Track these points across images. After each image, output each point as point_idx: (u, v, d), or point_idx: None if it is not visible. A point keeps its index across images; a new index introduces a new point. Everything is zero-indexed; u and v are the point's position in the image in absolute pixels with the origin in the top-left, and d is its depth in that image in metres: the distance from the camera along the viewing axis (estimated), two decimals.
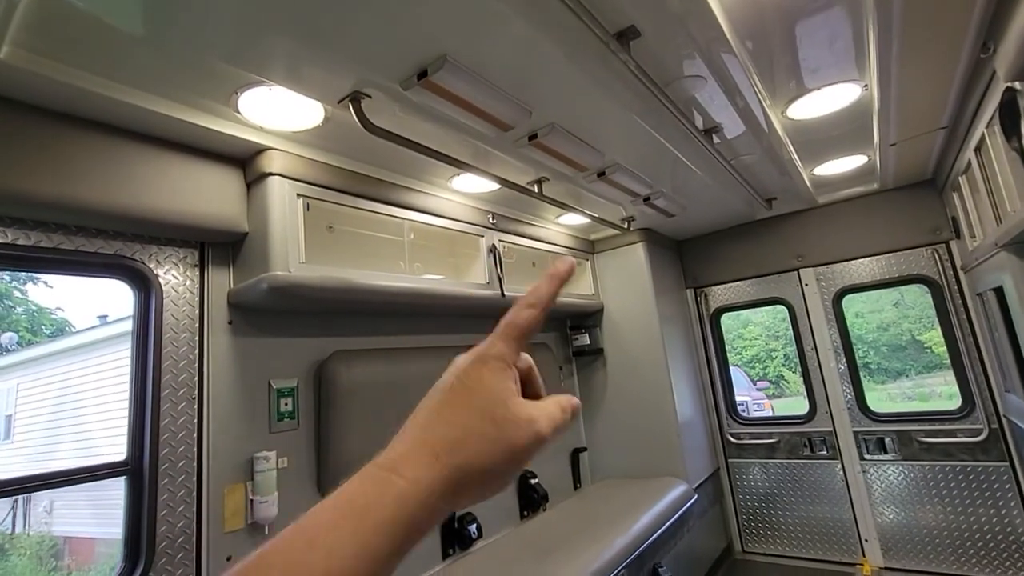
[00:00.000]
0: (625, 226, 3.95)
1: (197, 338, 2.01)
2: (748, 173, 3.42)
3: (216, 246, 2.15)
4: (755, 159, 3.21)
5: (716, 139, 2.88)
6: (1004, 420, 3.42)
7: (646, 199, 3.42)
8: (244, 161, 2.14)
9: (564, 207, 3.20)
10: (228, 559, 1.92)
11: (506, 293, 3.12)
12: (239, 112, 1.88)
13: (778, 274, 4.36)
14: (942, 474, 3.60)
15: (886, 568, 3.73)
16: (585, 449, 4.18)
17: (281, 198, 2.06)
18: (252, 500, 1.98)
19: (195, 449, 1.91)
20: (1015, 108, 1.98)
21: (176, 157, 1.93)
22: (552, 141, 2.38)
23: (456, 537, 2.83)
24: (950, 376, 3.69)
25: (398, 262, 2.73)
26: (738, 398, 5.41)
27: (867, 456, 3.87)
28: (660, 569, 2.99)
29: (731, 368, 4.74)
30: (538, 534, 2.91)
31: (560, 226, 3.96)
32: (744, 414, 4.74)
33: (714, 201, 3.77)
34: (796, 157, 3.26)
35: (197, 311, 2.04)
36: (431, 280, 2.72)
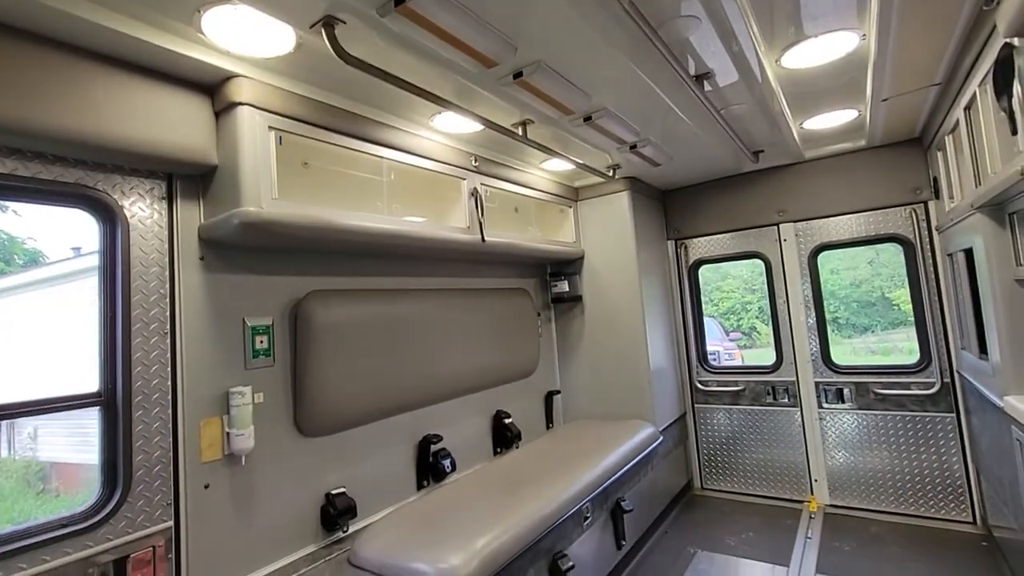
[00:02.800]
0: (610, 174, 3.89)
1: (167, 273, 1.97)
2: (737, 124, 3.36)
3: (185, 178, 2.06)
4: (745, 109, 3.14)
5: (707, 86, 2.80)
6: (956, 375, 3.61)
7: (632, 147, 3.35)
8: (212, 89, 2.02)
9: (549, 152, 3.13)
10: (206, 487, 1.98)
11: (487, 238, 3.10)
12: (203, 33, 1.76)
13: (758, 228, 4.39)
14: (892, 423, 3.83)
15: (830, 505, 4.04)
16: (559, 392, 4.32)
17: (251, 130, 1.97)
18: (228, 433, 2.03)
19: (169, 383, 1.92)
20: (1010, 66, 1.95)
21: (139, 81, 1.81)
22: (538, 80, 2.28)
23: (431, 470, 2.95)
24: (913, 333, 3.85)
25: (376, 202, 2.67)
26: (710, 348, 5.59)
27: (825, 405, 4.08)
28: (623, 503, 3.19)
29: (706, 319, 4.86)
30: (510, 469, 3.06)
31: (544, 172, 3.89)
32: (714, 363, 4.92)
33: (702, 152, 3.71)
34: (787, 109, 3.20)
35: (166, 245, 1.99)
36: (410, 222, 2.67)
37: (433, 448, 2.98)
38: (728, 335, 11.24)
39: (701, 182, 4.64)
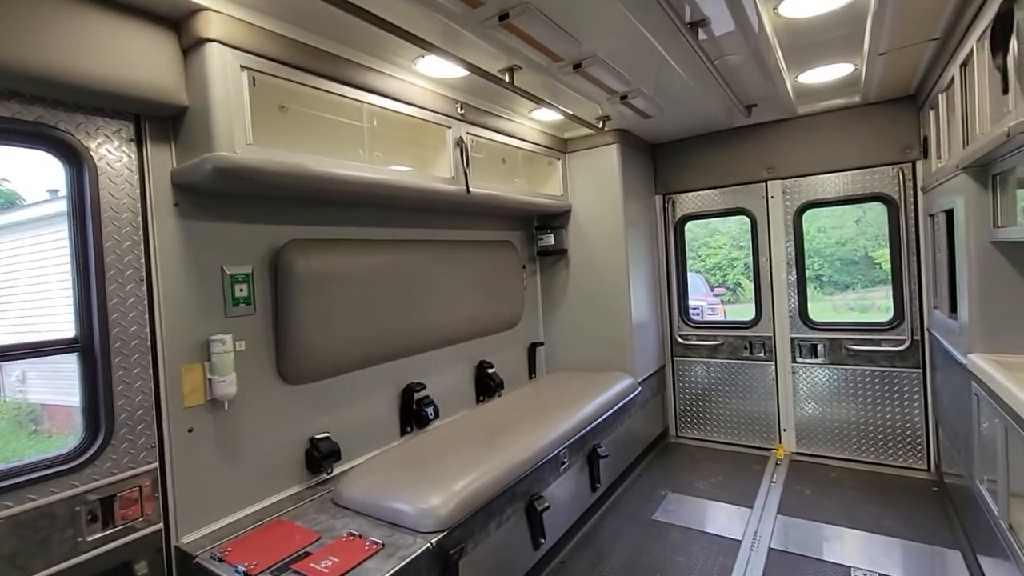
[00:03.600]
0: (600, 125, 3.80)
1: (140, 219, 1.93)
2: (731, 76, 3.27)
3: (154, 120, 1.98)
4: (740, 60, 3.04)
5: (702, 35, 2.69)
6: (927, 333, 3.73)
7: (623, 97, 3.26)
8: (178, 23, 1.91)
9: (537, 100, 3.03)
10: (190, 431, 2.03)
11: (472, 190, 3.05)
12: None
13: (747, 185, 4.36)
14: (862, 377, 3.98)
15: (796, 453, 4.26)
16: (542, 343, 4.40)
17: (222, 69, 1.87)
18: (210, 379, 2.05)
19: (147, 329, 1.92)
20: (1009, 21, 1.90)
21: (98, 12, 1.70)
22: (525, 23, 2.18)
23: (414, 417, 3.04)
24: (891, 291, 3.94)
25: (357, 150, 2.59)
26: (694, 302, 5.68)
27: (799, 359, 4.22)
28: (599, 449, 3.33)
29: (692, 274, 4.91)
30: (491, 416, 3.15)
31: (532, 122, 3.78)
32: (697, 318, 5.01)
33: (693, 104, 3.63)
34: (782, 61, 3.11)
35: (138, 190, 1.93)
36: (392, 171, 2.61)
37: (417, 396, 3.06)
38: (713, 290, 11.40)
39: (692, 136, 4.55)
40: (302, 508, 2.23)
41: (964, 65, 2.49)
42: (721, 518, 3.35)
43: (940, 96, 3.00)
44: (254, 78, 2.00)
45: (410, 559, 1.80)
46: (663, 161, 4.74)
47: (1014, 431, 1.87)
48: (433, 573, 1.93)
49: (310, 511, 2.19)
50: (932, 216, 3.44)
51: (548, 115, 3.62)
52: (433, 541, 1.91)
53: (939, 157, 3.18)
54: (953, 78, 2.66)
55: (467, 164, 3.03)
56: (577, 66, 2.70)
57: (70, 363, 1.80)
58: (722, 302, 11.00)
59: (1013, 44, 1.87)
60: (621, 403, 3.66)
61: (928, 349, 3.72)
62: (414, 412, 3.04)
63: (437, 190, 2.85)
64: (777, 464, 4.11)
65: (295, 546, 1.87)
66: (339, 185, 2.29)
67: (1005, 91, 1.95)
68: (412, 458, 2.51)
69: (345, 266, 2.59)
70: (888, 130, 3.83)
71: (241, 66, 1.94)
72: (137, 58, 1.79)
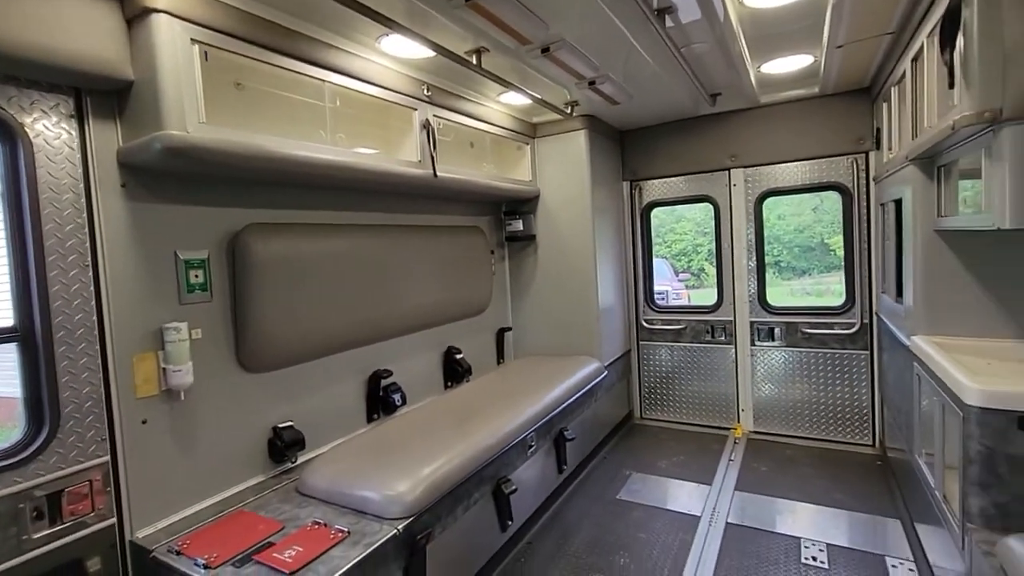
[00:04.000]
0: (568, 111, 3.79)
1: (84, 200, 1.82)
2: (697, 64, 3.30)
3: (96, 95, 1.85)
4: (706, 49, 3.08)
5: (669, 22, 2.71)
6: (875, 316, 3.93)
7: (591, 83, 3.25)
8: None
9: (505, 84, 3.00)
10: (143, 422, 1.95)
11: (439, 174, 3.00)
12: None
13: (710, 172, 4.45)
14: (815, 359, 4.17)
15: (754, 432, 4.44)
16: (511, 329, 4.42)
17: (171, 42, 1.77)
18: (165, 369, 1.97)
19: (95, 317, 1.82)
20: (957, 18, 1.97)
21: None
22: (491, 4, 2.14)
23: (381, 404, 3.01)
24: (843, 276, 4.11)
25: (319, 131, 2.51)
26: (659, 287, 5.79)
27: (757, 342, 4.38)
28: (566, 432, 3.38)
29: (657, 259, 5.00)
30: (459, 402, 3.16)
31: (501, 105, 3.74)
32: (663, 302, 5.12)
33: (661, 92, 3.65)
34: (746, 50, 3.16)
35: (80, 170, 1.81)
36: (356, 154, 2.54)
37: (384, 383, 3.03)
38: (678, 275, 11.65)
39: (659, 124, 4.60)
40: (265, 498, 2.19)
41: (915, 60, 2.59)
42: (682, 496, 3.47)
43: (892, 89, 3.11)
44: (206, 52, 1.90)
45: (376, 545, 1.80)
46: (631, 148, 4.77)
47: (950, 408, 2.00)
48: (400, 559, 1.94)
49: (273, 501, 2.15)
50: (883, 205, 3.59)
51: (516, 99, 3.59)
52: (400, 527, 1.91)
53: (890, 148, 3.31)
54: (905, 72, 2.76)
55: (434, 147, 2.98)
56: (545, 50, 2.67)
57: (10, 352, 1.70)
58: (686, 287, 11.27)
59: (960, 41, 1.95)
60: (588, 387, 3.72)
61: (876, 332, 3.92)
62: (381, 399, 3.01)
63: (403, 174, 2.79)
64: (735, 443, 4.28)
65: (258, 536, 1.84)
66: (300, 167, 2.21)
67: (951, 86, 2.04)
68: (379, 445, 2.49)
69: (308, 251, 2.52)
70: (844, 121, 3.96)
71: (192, 39, 1.83)
72: (75, 27, 1.67)
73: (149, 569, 1.82)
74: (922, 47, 2.44)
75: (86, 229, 1.82)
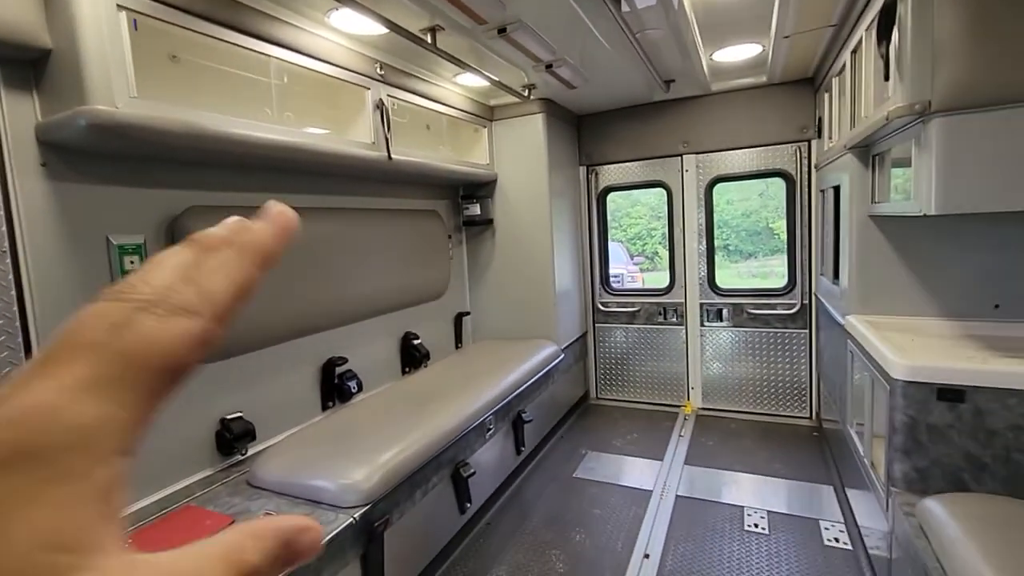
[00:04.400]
0: (526, 94, 3.76)
1: None
2: (652, 50, 3.34)
3: (7, 64, 1.68)
4: (660, 36, 3.11)
5: (625, 7, 2.71)
6: (814, 297, 4.16)
7: (549, 66, 3.23)
8: None
9: (461, 64, 2.93)
10: None
11: (394, 156, 2.92)
12: None
13: (664, 158, 4.55)
14: (759, 338, 4.38)
15: (702, 408, 4.65)
16: (469, 313, 4.40)
17: (93, 8, 1.62)
18: None
19: (15, 308, 1.68)
20: (893, 12, 2.07)
21: None
22: None
23: (336, 391, 2.95)
24: (786, 259, 4.32)
25: (264, 109, 2.38)
26: (614, 271, 5.91)
27: (706, 323, 4.56)
28: (523, 414, 3.43)
29: (613, 243, 5.09)
30: (417, 387, 3.14)
31: (457, 87, 3.66)
32: (618, 286, 5.24)
33: (617, 77, 3.68)
34: (699, 37, 3.22)
35: None
36: (304, 134, 2.43)
37: (338, 370, 2.96)
38: (633, 259, 11.92)
39: (615, 108, 4.64)
40: (214, 492, 2.12)
41: (854, 52, 2.71)
42: (635, 471, 3.61)
43: (834, 80, 3.25)
44: (135, 20, 1.76)
45: (331, 535, 1.77)
46: (587, 133, 4.80)
47: (879, 382, 2.15)
48: (357, 546, 1.92)
49: (223, 494, 2.08)
50: (823, 191, 3.78)
51: (473, 80, 3.52)
52: (356, 515, 1.90)
53: (831, 137, 3.48)
54: (845, 64, 2.89)
55: (388, 129, 2.90)
56: (502, 31, 2.63)
57: None
58: (641, 270, 11.56)
59: (895, 35, 2.05)
60: (545, 370, 3.78)
61: (814, 312, 4.16)
62: (336, 387, 2.95)
63: (356, 156, 2.70)
64: (685, 419, 4.47)
65: (205, 531, 1.78)
66: (244, 147, 2.10)
67: (887, 78, 2.15)
68: (334, 433, 2.45)
69: None
70: (789, 110, 4.12)
71: (118, 5, 1.69)
72: None
73: None
74: (861, 40, 2.56)
75: (1, 212, 1.67)
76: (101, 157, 1.95)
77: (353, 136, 2.84)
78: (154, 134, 1.77)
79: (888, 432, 2.00)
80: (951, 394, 1.85)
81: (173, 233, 2.15)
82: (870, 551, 2.41)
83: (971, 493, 1.83)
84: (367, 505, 1.96)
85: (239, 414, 2.40)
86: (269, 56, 2.26)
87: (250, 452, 2.45)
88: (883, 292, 2.75)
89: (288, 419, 2.70)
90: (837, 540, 2.72)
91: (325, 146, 2.49)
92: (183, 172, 2.24)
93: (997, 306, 2.49)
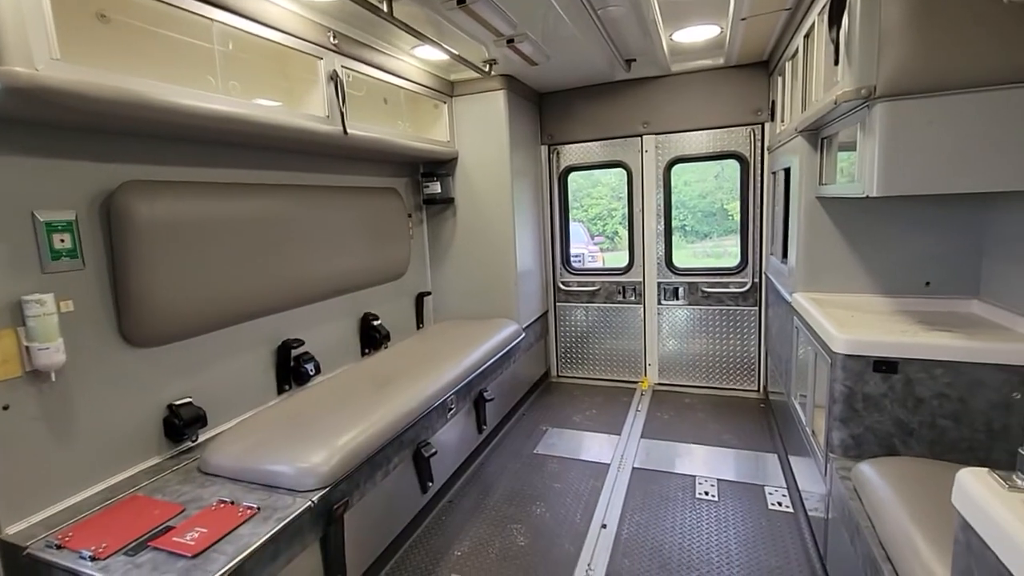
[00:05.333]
0: (487, 69, 3.68)
1: None
2: (613, 28, 3.32)
3: None
4: (622, 13, 3.10)
5: None
6: (764, 276, 4.33)
7: (510, 41, 3.16)
8: None
9: (419, 36, 2.83)
10: (4, 408, 1.71)
11: (350, 131, 2.81)
12: None
13: (625, 138, 4.58)
14: (712, 315, 4.55)
15: (658, 383, 4.81)
16: (430, 293, 4.36)
17: None
18: (28, 347, 1.73)
19: None
20: None
21: None
22: None
23: (292, 374, 2.88)
24: (739, 239, 4.47)
25: (207, 77, 2.24)
26: (575, 250, 5.96)
27: (663, 302, 4.68)
28: (485, 393, 3.45)
29: (573, 223, 5.12)
30: (377, 369, 3.09)
31: (416, 60, 3.54)
32: (579, 265, 5.29)
33: (578, 54, 3.65)
34: (659, 16, 3.22)
35: None
36: (252, 105, 2.30)
37: (294, 352, 2.88)
38: (593, 239, 12.06)
39: (577, 87, 4.61)
40: (162, 480, 2.03)
41: (807, 36, 2.78)
42: (594, 446, 3.71)
43: (787, 64, 3.33)
44: None
45: (289, 519, 1.74)
46: (549, 111, 4.77)
47: (821, 355, 2.27)
48: (316, 530, 1.90)
49: (172, 483, 2.01)
50: (774, 173, 3.91)
51: (432, 54, 3.41)
52: (315, 499, 1.87)
53: (783, 120, 3.58)
54: (798, 48, 2.96)
55: (343, 102, 2.78)
56: (462, 1, 2.55)
57: None
58: (601, 250, 11.72)
59: (845, 20, 2.11)
60: (506, 349, 3.80)
61: (764, 290, 4.34)
62: (292, 369, 2.87)
63: (309, 129, 2.58)
64: (642, 395, 4.61)
65: (154, 521, 1.71)
66: (184, 118, 1.97)
67: (836, 62, 2.22)
68: (291, 417, 2.39)
69: (201, 212, 2.28)
70: (745, 93, 4.21)
71: None
72: None
73: (24, 568, 1.64)
74: (813, 25, 2.62)
75: None
76: (23, 125, 1.79)
77: (306, 109, 2.72)
78: (81, 101, 1.63)
79: (828, 402, 2.12)
80: (885, 366, 1.98)
81: (109, 210, 2.01)
82: (809, 513, 2.58)
83: (900, 457, 1.97)
84: (326, 488, 1.94)
85: (188, 399, 2.30)
86: (211, 20, 2.11)
87: (201, 438, 2.36)
88: (827, 271, 2.88)
89: (242, 403, 2.61)
90: (780, 504, 2.89)
91: (275, 119, 2.37)
92: (118, 143, 2.08)
93: (928, 283, 2.67)
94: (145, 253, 2.04)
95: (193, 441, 2.33)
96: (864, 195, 2.06)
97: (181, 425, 2.22)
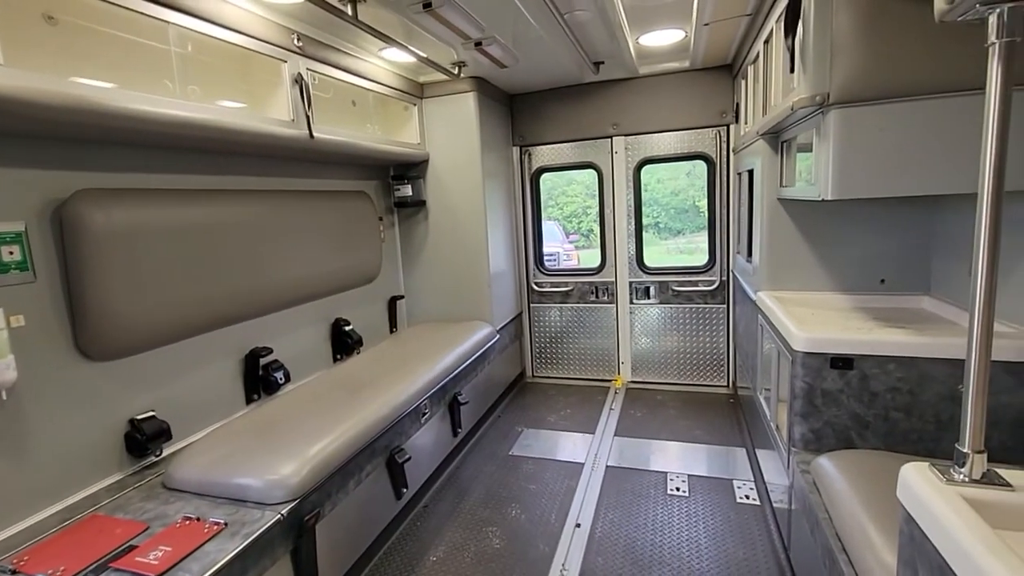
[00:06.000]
0: (455, 72, 3.67)
1: None
2: (580, 32, 3.35)
3: None
4: (588, 17, 3.13)
5: None
6: (731, 274, 4.44)
7: (478, 44, 3.16)
8: None
9: (385, 39, 2.80)
10: None
11: (316, 134, 2.77)
12: None
13: (595, 140, 4.63)
14: (683, 313, 4.64)
15: (632, 381, 4.89)
16: (403, 297, 4.33)
17: None
18: None
19: None
20: (798, 7, 2.20)
21: None
22: None
23: (261, 383, 2.83)
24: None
25: (164, 81, 2.18)
26: (550, 249, 6.00)
27: (635, 301, 4.76)
28: (459, 396, 3.45)
29: (549, 222, 5.15)
30: (349, 375, 3.06)
31: (384, 61, 3.51)
32: (553, 265, 5.33)
33: (547, 57, 3.67)
34: (624, 20, 3.27)
35: None
36: (212, 110, 2.24)
37: (263, 360, 2.83)
38: (568, 237, 12.14)
39: (547, 89, 4.64)
40: (124, 498, 1.98)
41: (767, 42, 2.86)
42: (568, 446, 3.75)
43: (749, 68, 3.42)
44: None
45: (258, 534, 1.71)
46: (520, 113, 4.78)
47: (783, 353, 2.35)
48: (286, 543, 1.88)
49: (135, 500, 1.95)
50: (739, 174, 4.01)
51: (400, 56, 3.39)
52: (284, 511, 1.84)
53: (746, 123, 3.68)
54: (759, 53, 3.04)
55: (309, 105, 2.74)
56: (427, 5, 2.53)
57: None
58: (576, 248, 11.82)
59: (800, 29, 2.18)
60: (481, 351, 3.80)
61: (732, 288, 4.45)
62: (261, 378, 2.82)
63: (273, 134, 2.54)
64: (616, 393, 4.68)
65: (116, 541, 1.66)
66: (140, 124, 1.91)
67: (792, 70, 2.29)
68: (260, 428, 2.35)
69: (162, 220, 2.22)
70: (710, 95, 4.30)
71: None
72: None
73: None
74: (772, 31, 2.70)
75: None
76: None
77: (271, 113, 2.67)
78: (28, 108, 1.57)
79: (790, 398, 2.20)
80: (842, 362, 2.06)
81: (62, 220, 1.94)
82: (774, 505, 2.66)
83: (856, 450, 2.06)
84: (296, 500, 1.91)
85: (151, 413, 2.24)
86: (167, 22, 2.05)
87: (165, 453, 2.30)
88: (789, 270, 2.98)
89: (208, 415, 2.55)
90: (748, 497, 2.98)
91: (237, 123, 2.32)
92: (71, 151, 2.01)
93: (883, 281, 2.78)
94: (102, 264, 1.97)
95: (157, 456, 2.27)
96: (820, 198, 2.13)
97: (144, 440, 2.16)
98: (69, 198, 1.95)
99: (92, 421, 2.06)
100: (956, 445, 1.06)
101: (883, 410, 2.04)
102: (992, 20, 1.01)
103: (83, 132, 1.93)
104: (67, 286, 1.97)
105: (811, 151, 2.30)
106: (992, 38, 1.01)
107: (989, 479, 1.04)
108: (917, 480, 1.07)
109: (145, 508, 1.89)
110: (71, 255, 1.94)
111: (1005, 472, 1.06)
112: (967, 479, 1.04)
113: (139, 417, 2.19)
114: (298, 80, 2.70)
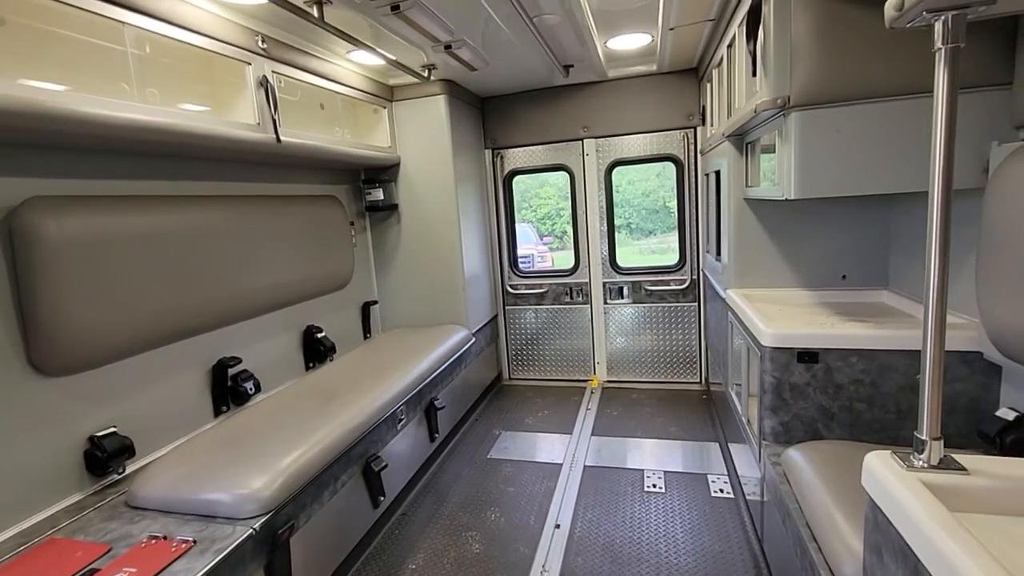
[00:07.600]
0: (425, 74, 3.65)
1: None
2: (549, 35, 3.38)
3: None
4: (556, 21, 3.15)
5: None
6: (701, 273, 4.53)
7: (448, 47, 3.16)
8: None
9: (354, 41, 2.77)
10: None
11: (283, 138, 2.72)
12: None
13: (566, 142, 4.67)
14: (655, 312, 4.71)
15: (608, 380, 4.94)
16: (376, 302, 4.28)
17: None
18: None
19: None
20: (758, 13, 2.26)
21: None
22: None
23: (230, 394, 2.75)
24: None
25: (121, 84, 2.10)
26: (525, 251, 6.01)
27: (609, 301, 4.81)
28: (436, 401, 3.42)
29: (523, 224, 5.16)
30: (322, 383, 3.00)
31: (353, 64, 3.47)
32: (527, 267, 5.34)
33: (517, 60, 3.69)
34: (592, 24, 3.31)
35: None
36: (172, 113, 2.17)
37: (231, 371, 2.75)
38: (542, 239, 12.20)
39: (518, 92, 4.66)
40: (85, 519, 1.89)
41: (730, 46, 2.93)
42: (546, 447, 3.76)
43: (714, 71, 3.51)
44: None
45: (228, 550, 1.66)
46: (491, 116, 4.79)
47: (752, 348, 2.41)
48: (260, 558, 1.82)
49: (96, 521, 1.87)
50: (707, 175, 4.10)
51: (369, 58, 3.35)
52: (256, 526, 1.79)
53: (712, 125, 3.77)
54: (723, 57, 3.12)
55: (275, 109, 2.68)
56: (395, 7, 2.51)
57: None
58: (550, 250, 11.88)
59: (761, 34, 2.25)
60: (456, 355, 3.78)
61: (702, 286, 4.54)
62: (230, 389, 2.74)
63: (238, 138, 2.48)
64: (592, 393, 4.72)
65: (76, 565, 1.59)
66: (94, 128, 1.83)
67: (755, 73, 2.36)
68: (229, 440, 2.28)
69: (120, 228, 2.14)
70: (677, 98, 4.39)
71: None
72: None
73: None
74: (735, 36, 2.78)
75: None
76: None
77: (235, 116, 2.60)
78: None
79: (759, 392, 2.25)
80: (808, 356, 2.13)
81: (11, 229, 1.85)
82: (747, 498, 2.73)
83: (823, 440, 2.12)
84: (268, 513, 1.86)
85: (112, 429, 2.15)
86: (122, 22, 1.98)
87: (129, 470, 2.21)
88: (756, 267, 3.06)
89: (174, 429, 2.47)
90: (722, 491, 3.04)
91: (199, 128, 2.25)
92: (20, 156, 1.92)
93: (844, 277, 2.88)
94: (55, 275, 1.88)
95: (119, 473, 2.18)
96: (784, 198, 2.20)
97: (105, 457, 2.07)
98: (19, 206, 1.86)
99: (48, 440, 1.96)
100: (915, 433, 1.11)
101: (847, 401, 2.11)
102: (938, 27, 1.06)
103: (35, 137, 1.85)
104: (18, 298, 1.88)
105: (775, 152, 2.37)
106: (938, 44, 1.06)
107: (946, 464, 1.08)
108: (880, 468, 1.11)
109: (108, 529, 1.81)
110: (22, 266, 1.85)
111: (961, 457, 1.11)
112: (926, 465, 1.09)
113: (99, 434, 2.10)
114: (263, 83, 2.64)
